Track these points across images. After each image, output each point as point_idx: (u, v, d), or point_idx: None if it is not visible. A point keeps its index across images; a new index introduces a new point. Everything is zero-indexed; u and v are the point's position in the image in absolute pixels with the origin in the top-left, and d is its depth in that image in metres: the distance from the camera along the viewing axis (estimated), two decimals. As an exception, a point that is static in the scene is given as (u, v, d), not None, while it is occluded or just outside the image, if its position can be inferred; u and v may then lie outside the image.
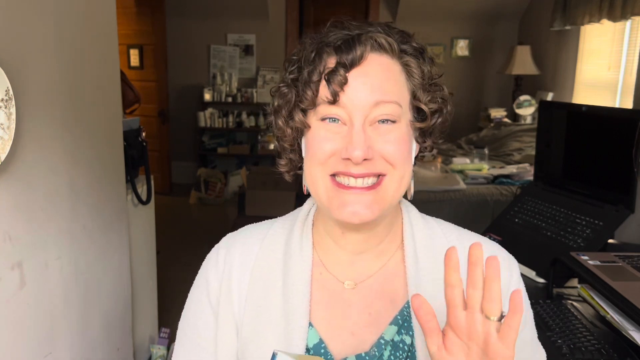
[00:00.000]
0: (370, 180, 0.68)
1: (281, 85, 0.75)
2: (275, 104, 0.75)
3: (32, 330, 1.38)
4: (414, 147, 0.74)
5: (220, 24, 5.71)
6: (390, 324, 0.74)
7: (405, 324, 0.74)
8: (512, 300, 0.57)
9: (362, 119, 0.67)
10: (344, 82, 0.67)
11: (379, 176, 0.69)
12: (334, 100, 0.67)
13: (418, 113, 0.73)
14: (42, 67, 1.39)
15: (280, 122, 0.74)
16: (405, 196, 0.80)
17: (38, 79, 1.37)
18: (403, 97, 0.70)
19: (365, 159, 0.67)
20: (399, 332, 0.73)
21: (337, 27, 0.72)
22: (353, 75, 0.68)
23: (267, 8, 5.57)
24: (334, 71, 0.67)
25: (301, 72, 0.71)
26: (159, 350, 2.43)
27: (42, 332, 1.42)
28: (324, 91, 0.68)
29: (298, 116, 0.71)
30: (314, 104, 0.70)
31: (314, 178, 0.71)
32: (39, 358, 1.41)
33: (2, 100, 1.15)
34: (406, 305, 0.75)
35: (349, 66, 0.67)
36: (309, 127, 0.71)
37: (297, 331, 0.71)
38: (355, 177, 0.68)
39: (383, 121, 0.68)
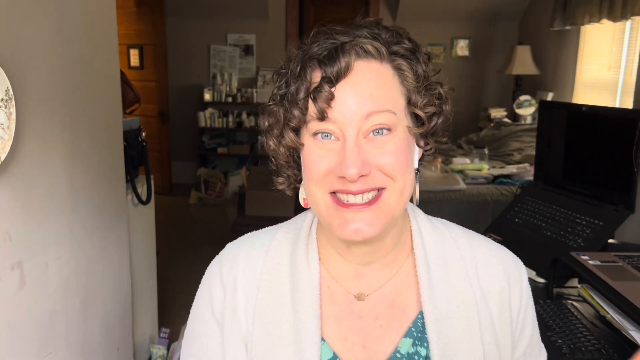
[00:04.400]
0: (370, 195, 0.65)
1: (270, 103, 0.71)
2: (266, 123, 0.72)
3: (32, 330, 1.38)
4: (416, 152, 0.71)
5: (220, 24, 5.71)
6: (405, 336, 0.72)
7: (419, 335, 0.71)
8: None
9: (355, 132, 0.64)
10: (331, 97, 0.63)
11: (379, 189, 0.66)
12: (322, 118, 0.64)
13: (416, 118, 0.69)
14: (42, 67, 1.39)
15: (271, 143, 0.72)
16: (410, 200, 0.78)
17: (38, 79, 1.37)
18: (397, 103, 0.66)
19: (362, 176, 0.63)
20: (413, 344, 0.71)
21: (322, 35, 0.69)
22: (340, 88, 0.64)
23: (267, 8, 5.57)
24: (318, 88, 0.64)
25: (289, 87, 0.68)
26: (159, 350, 2.43)
27: (42, 332, 1.42)
28: (312, 108, 0.65)
29: (289, 135, 0.68)
30: (303, 122, 0.66)
31: (313, 197, 0.68)
32: (39, 358, 1.41)
33: (2, 100, 1.15)
34: (420, 316, 0.72)
35: (335, 79, 0.64)
36: (303, 144, 0.68)
37: (310, 348, 0.69)
38: (354, 194, 0.65)
39: (378, 132, 0.65)
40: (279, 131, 0.70)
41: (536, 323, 0.80)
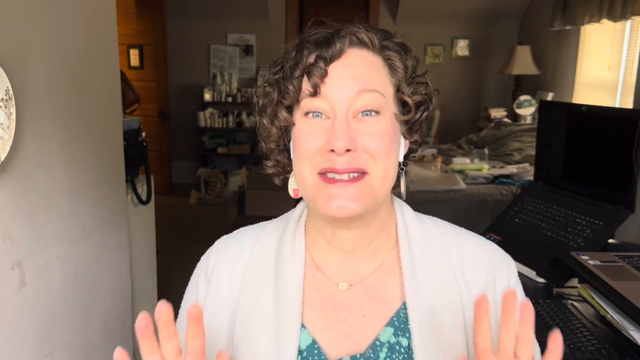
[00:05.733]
0: (355, 174, 0.68)
1: (265, 85, 0.75)
2: (260, 103, 0.76)
3: (32, 330, 1.38)
4: (402, 143, 0.74)
5: (220, 24, 5.71)
6: (386, 325, 0.73)
7: (402, 326, 0.72)
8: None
9: (345, 110, 0.68)
10: (325, 74, 0.68)
11: (363, 173, 0.69)
12: (315, 93, 0.68)
13: (403, 107, 0.73)
14: (42, 67, 1.39)
15: (265, 122, 0.75)
16: (399, 196, 0.79)
17: (38, 79, 1.37)
18: (386, 88, 0.71)
19: (348, 150, 0.66)
20: (395, 334, 0.72)
21: (319, 27, 0.74)
22: (333, 67, 0.68)
23: (267, 8, 5.57)
24: (314, 64, 0.68)
25: (284, 69, 0.73)
26: (159, 350, 2.42)
27: (42, 332, 1.42)
28: (305, 85, 0.69)
29: (282, 113, 0.72)
30: (296, 100, 0.70)
31: (302, 175, 0.71)
32: (39, 358, 1.41)
33: (2, 100, 1.15)
34: (402, 307, 0.74)
35: (329, 60, 0.68)
36: (294, 124, 0.72)
37: (289, 333, 0.71)
38: (340, 172, 0.67)
39: (367, 113, 0.68)
40: (272, 110, 0.74)
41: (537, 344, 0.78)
